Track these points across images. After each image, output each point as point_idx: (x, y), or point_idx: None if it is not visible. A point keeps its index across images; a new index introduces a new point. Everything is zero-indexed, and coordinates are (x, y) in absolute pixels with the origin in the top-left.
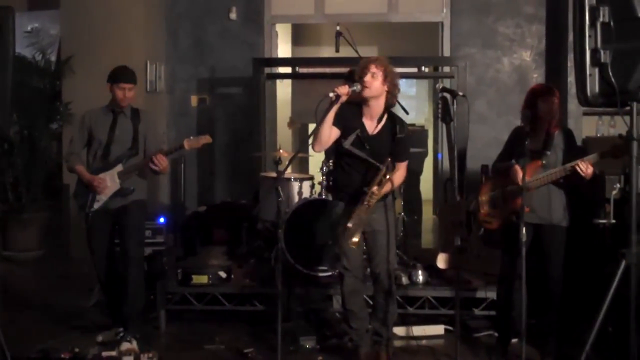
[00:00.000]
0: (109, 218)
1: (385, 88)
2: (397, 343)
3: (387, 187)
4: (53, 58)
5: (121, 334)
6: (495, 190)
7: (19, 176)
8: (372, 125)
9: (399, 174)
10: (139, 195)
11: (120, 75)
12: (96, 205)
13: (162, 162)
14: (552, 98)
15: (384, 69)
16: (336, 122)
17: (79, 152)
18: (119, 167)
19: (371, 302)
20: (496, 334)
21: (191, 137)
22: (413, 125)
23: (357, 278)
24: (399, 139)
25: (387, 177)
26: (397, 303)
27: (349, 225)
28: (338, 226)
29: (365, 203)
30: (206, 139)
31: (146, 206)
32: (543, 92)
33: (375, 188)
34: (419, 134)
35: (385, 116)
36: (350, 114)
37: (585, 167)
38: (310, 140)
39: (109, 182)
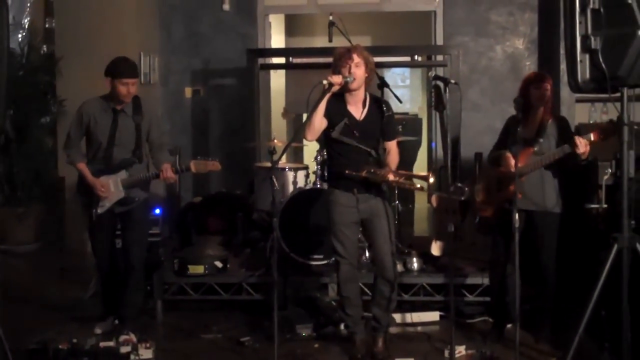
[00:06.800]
0: (114, 218)
1: (366, 74)
2: (393, 330)
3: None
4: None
5: (117, 323)
6: (490, 178)
7: (14, 169)
8: (358, 111)
9: (393, 157)
10: (143, 194)
11: (123, 69)
12: (100, 210)
13: (171, 177)
14: (543, 85)
15: (364, 57)
16: (324, 113)
17: (78, 145)
18: (123, 174)
19: (367, 290)
20: (491, 320)
21: (199, 158)
22: (406, 114)
23: (352, 265)
24: (387, 117)
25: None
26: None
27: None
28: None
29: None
30: (214, 166)
31: (150, 203)
32: (534, 80)
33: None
34: (412, 122)
35: (368, 99)
36: (335, 104)
37: (583, 144)
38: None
39: (112, 187)
